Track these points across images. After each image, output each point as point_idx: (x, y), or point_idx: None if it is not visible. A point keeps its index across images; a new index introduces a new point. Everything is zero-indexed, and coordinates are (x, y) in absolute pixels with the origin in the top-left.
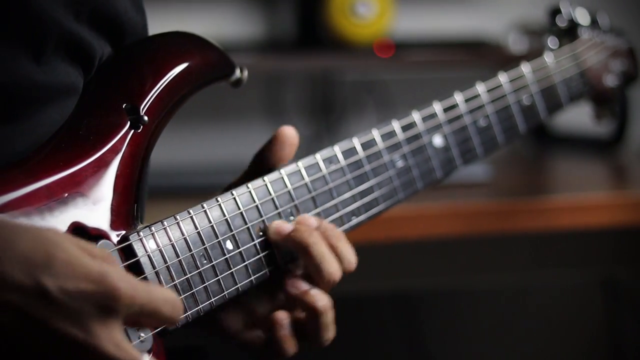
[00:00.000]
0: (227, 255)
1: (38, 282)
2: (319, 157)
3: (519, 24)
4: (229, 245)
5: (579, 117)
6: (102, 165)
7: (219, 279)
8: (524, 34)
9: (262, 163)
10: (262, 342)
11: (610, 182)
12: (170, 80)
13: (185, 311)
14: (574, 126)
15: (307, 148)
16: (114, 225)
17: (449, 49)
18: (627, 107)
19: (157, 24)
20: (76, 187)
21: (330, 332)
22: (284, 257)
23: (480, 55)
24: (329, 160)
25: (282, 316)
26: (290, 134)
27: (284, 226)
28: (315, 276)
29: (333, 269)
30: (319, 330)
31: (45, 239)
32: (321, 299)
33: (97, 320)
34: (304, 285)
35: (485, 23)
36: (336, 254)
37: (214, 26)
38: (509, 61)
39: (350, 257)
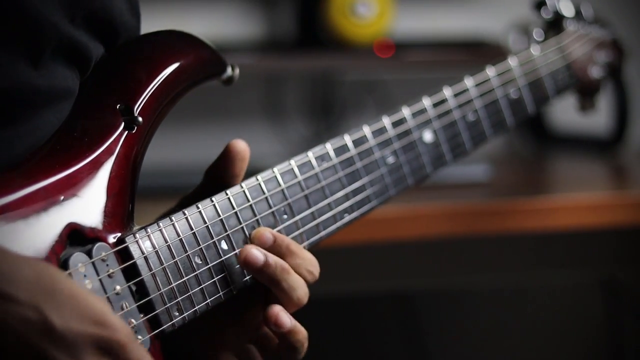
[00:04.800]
0: (222, 256)
1: (43, 314)
2: (311, 154)
3: (518, 24)
4: (224, 245)
5: (578, 117)
6: (97, 166)
7: (214, 279)
8: (523, 33)
9: (215, 179)
10: None
11: (610, 182)
12: (163, 79)
13: (182, 312)
14: (574, 126)
15: (307, 148)
16: (110, 227)
17: (449, 49)
18: (626, 107)
19: (157, 24)
20: (72, 189)
21: (301, 355)
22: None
23: (480, 55)
24: (321, 158)
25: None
26: (241, 148)
27: (257, 258)
28: (285, 304)
29: (301, 294)
30: (291, 357)
31: (48, 270)
32: (300, 338)
33: (92, 358)
34: (285, 322)
35: (485, 23)
36: (296, 271)
37: (214, 26)
38: None
39: (306, 269)
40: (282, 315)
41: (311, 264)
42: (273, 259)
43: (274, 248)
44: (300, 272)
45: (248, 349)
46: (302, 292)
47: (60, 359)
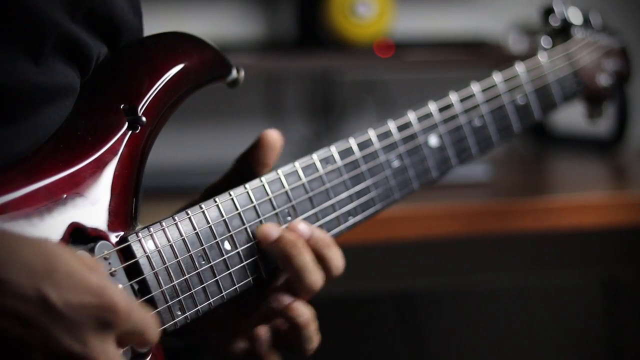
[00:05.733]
0: (225, 256)
1: (41, 292)
2: (315, 157)
3: (519, 24)
4: (227, 245)
5: (578, 117)
6: (100, 165)
7: (217, 279)
8: (523, 34)
9: (244, 167)
10: (245, 353)
11: (610, 182)
12: (168, 80)
13: (184, 312)
14: (574, 126)
15: (307, 148)
16: (113, 226)
17: (449, 49)
18: (626, 107)
19: (157, 24)
20: (75, 187)
21: (313, 343)
22: (269, 263)
23: (480, 55)
24: (326, 161)
25: (262, 332)
26: (274, 138)
27: (270, 232)
28: (296, 286)
29: (314, 279)
30: (301, 342)
31: (46, 249)
32: (302, 314)
33: (94, 334)
34: (286, 299)
35: (485, 23)
36: (324, 261)
37: (214, 26)
38: (509, 61)
39: (338, 263)
40: (298, 304)
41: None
42: (287, 235)
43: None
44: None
45: (259, 335)
46: (315, 276)
47: (62, 337)
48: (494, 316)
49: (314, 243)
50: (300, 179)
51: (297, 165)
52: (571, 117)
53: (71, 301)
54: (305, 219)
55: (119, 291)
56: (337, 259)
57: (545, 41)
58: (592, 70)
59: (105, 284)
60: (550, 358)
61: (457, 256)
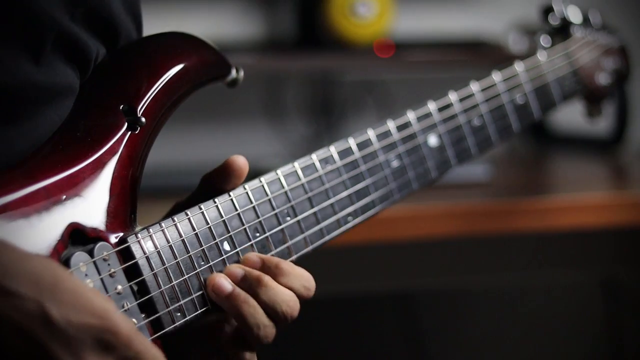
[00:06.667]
0: (224, 256)
1: (43, 308)
2: (315, 157)
3: (519, 24)
4: (226, 246)
5: (578, 117)
6: (99, 166)
7: None
8: (523, 34)
9: (209, 189)
10: None
11: (610, 182)
12: (167, 81)
13: (183, 313)
14: (573, 126)
15: (307, 148)
16: (112, 227)
17: (449, 49)
18: (626, 107)
19: (157, 24)
20: (74, 188)
21: None
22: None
23: (480, 55)
24: (325, 161)
25: None
26: (240, 165)
27: (222, 287)
28: (248, 339)
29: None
30: None
31: (53, 265)
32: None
33: (93, 354)
34: (225, 287)
35: (485, 23)
36: (290, 287)
37: (214, 26)
38: (509, 61)
39: (302, 285)
40: (222, 281)
41: (305, 280)
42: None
43: (263, 269)
44: (294, 288)
45: None
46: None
47: (59, 353)
48: (494, 316)
49: (268, 271)
50: (299, 179)
51: (297, 165)
52: (571, 117)
53: (73, 320)
54: (304, 219)
55: (124, 317)
56: (299, 283)
57: (544, 40)
58: (591, 69)
59: (109, 307)
60: (550, 358)
61: (457, 256)
